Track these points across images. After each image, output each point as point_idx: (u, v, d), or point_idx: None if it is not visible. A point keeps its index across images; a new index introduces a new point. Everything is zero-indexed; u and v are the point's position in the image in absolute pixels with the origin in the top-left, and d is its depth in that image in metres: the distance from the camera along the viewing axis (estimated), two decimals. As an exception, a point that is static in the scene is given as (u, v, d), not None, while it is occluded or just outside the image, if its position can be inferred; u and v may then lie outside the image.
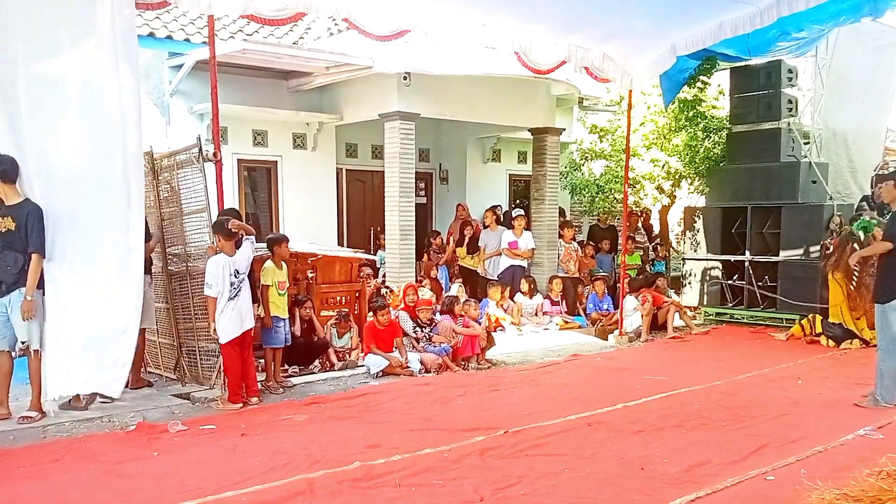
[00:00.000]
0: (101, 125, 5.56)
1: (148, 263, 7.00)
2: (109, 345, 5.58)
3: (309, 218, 11.30)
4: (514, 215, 11.28)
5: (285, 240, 7.23)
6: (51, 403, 5.74)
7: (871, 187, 10.90)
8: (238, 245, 6.26)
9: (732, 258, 10.92)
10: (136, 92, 5.73)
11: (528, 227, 11.40)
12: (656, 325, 10.05)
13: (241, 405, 6.12)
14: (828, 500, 3.34)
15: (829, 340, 9.06)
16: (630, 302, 9.91)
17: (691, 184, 12.01)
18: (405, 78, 9.97)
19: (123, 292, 5.66)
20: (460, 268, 11.43)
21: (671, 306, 10.01)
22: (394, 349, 7.61)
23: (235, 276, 6.12)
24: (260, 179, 11.32)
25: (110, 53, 5.50)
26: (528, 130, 12.02)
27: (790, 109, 10.70)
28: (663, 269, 12.38)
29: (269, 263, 7.00)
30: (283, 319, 7.05)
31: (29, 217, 5.39)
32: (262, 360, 6.99)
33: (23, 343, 5.51)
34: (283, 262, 7.14)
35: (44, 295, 5.55)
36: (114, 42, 5.50)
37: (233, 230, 6.15)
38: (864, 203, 10.58)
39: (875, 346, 8.57)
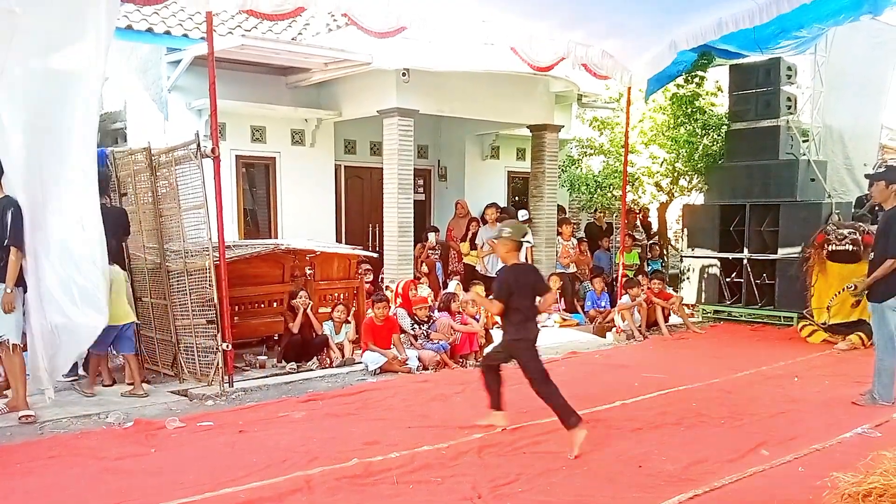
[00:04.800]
0: (92, 120, 5.58)
1: (124, 259, 7.03)
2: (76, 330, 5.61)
3: (307, 214, 11.29)
4: (520, 218, 11.21)
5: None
6: (50, 391, 5.76)
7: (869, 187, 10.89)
8: None
9: (731, 256, 10.92)
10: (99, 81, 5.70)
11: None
12: (649, 324, 10.04)
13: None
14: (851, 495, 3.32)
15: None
16: (626, 300, 9.90)
17: (690, 181, 12.01)
18: (404, 74, 9.95)
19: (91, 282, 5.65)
20: (465, 265, 11.46)
21: (658, 306, 9.99)
22: (391, 346, 7.60)
23: None
24: (258, 176, 11.29)
25: (97, 49, 5.49)
26: (527, 127, 12.02)
27: (789, 107, 10.71)
28: (659, 267, 12.38)
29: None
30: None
31: (4, 211, 5.40)
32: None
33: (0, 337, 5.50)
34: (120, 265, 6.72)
35: (25, 292, 5.54)
36: (103, 38, 5.49)
37: None
38: (863, 202, 10.59)
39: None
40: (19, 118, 5.39)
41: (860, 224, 9.14)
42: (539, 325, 5.29)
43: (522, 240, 5.18)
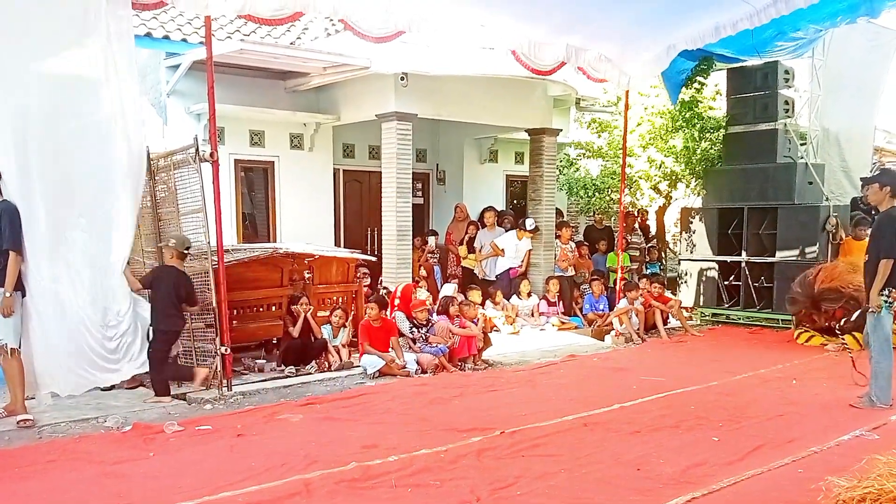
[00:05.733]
0: (98, 125, 5.56)
1: None
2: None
3: (306, 218, 11.29)
4: (527, 227, 11.19)
5: None
6: (45, 396, 5.76)
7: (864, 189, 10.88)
8: None
9: (729, 259, 10.94)
10: (134, 91, 5.73)
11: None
12: (647, 327, 10.04)
13: None
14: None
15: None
16: (624, 304, 9.91)
17: (688, 185, 12.02)
18: (402, 78, 9.96)
19: (118, 287, 5.77)
20: (463, 269, 11.45)
21: (657, 310, 9.99)
22: (390, 349, 7.60)
23: None
24: (257, 180, 11.29)
25: (107, 53, 5.51)
26: (525, 131, 12.02)
27: (787, 110, 10.73)
28: (658, 270, 12.38)
29: None
30: None
31: (2, 216, 5.39)
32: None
33: None
34: None
35: (23, 296, 5.53)
36: (110, 42, 5.50)
37: None
38: (858, 204, 10.61)
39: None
40: (25, 123, 5.41)
41: (826, 307, 8.84)
42: (186, 319, 6.52)
43: (185, 250, 6.43)
